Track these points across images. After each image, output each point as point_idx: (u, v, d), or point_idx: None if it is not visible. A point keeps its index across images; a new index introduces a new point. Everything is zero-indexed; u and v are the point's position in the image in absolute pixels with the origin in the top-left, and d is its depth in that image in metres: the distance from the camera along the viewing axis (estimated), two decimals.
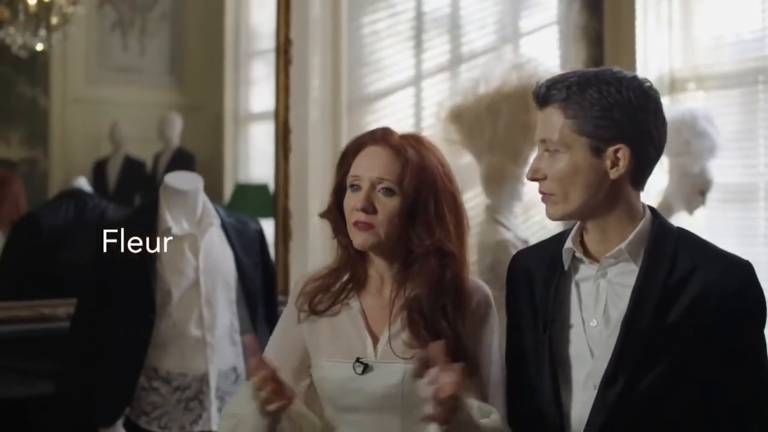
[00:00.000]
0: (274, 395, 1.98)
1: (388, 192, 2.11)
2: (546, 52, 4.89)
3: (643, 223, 2.02)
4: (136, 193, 4.56)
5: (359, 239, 2.12)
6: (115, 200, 4.32)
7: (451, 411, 1.90)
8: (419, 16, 4.67)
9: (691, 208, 4.26)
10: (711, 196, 4.36)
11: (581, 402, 2.00)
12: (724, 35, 4.92)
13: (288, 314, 2.25)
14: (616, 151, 1.97)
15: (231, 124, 4.75)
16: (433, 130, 4.32)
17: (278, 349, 2.24)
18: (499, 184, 4.04)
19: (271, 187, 4.43)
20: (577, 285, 2.06)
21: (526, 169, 3.98)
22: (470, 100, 4.10)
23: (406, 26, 4.63)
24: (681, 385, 1.95)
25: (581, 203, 1.99)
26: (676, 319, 1.94)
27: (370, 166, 2.12)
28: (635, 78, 2.00)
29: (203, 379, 3.24)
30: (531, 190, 4.18)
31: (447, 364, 1.91)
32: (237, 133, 4.79)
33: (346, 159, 2.18)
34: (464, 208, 2.22)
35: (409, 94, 4.63)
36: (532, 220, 4.65)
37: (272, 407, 1.98)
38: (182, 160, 4.49)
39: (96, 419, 3.17)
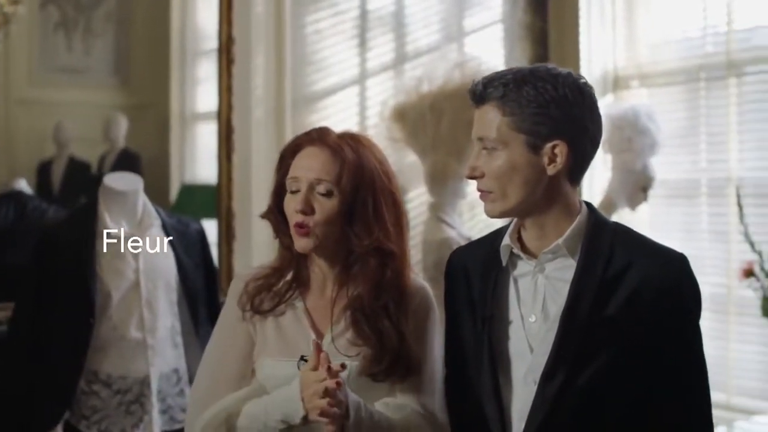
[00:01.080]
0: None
1: (327, 192, 2.11)
2: (490, 50, 4.90)
3: (580, 219, 2.03)
4: (81, 195, 4.49)
5: (300, 244, 2.13)
6: (59, 202, 4.26)
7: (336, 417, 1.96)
8: (363, 14, 4.65)
9: (633, 205, 4.30)
10: (655, 192, 4.40)
11: (521, 398, 2.01)
12: (667, 33, 4.96)
13: (230, 313, 2.24)
14: (554, 147, 1.97)
15: (177, 124, 4.70)
16: (377, 128, 4.30)
17: (222, 348, 2.23)
18: (443, 183, 4.04)
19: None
20: (515, 281, 2.07)
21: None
22: (413, 99, 4.09)
23: (350, 25, 4.62)
24: (620, 379, 1.96)
25: (519, 200, 1.99)
26: (614, 313, 1.96)
27: (307, 167, 2.13)
28: (570, 74, 2.01)
29: (144, 382, 3.20)
30: (475, 188, 4.24)
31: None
32: (183, 134, 4.74)
33: (285, 160, 2.19)
34: (403, 206, 2.23)
35: (354, 93, 4.61)
36: (477, 218, 4.66)
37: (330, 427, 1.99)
38: (128, 161, 4.44)
39: (35, 424, 3.12)
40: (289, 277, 2.21)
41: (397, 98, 4.29)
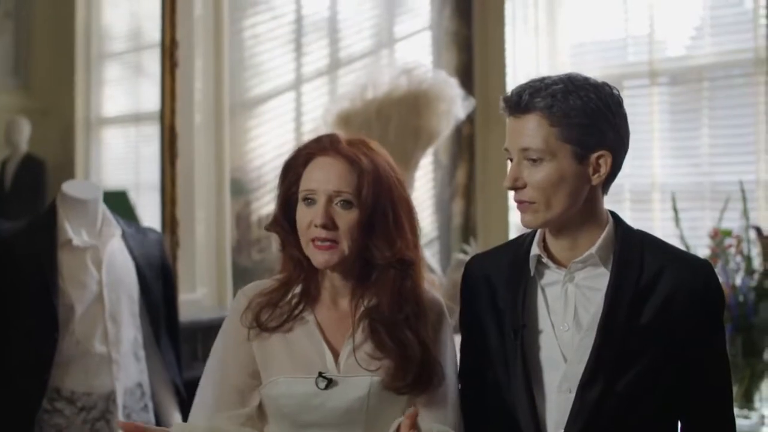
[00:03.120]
0: None
1: (347, 204, 2.04)
2: (419, 57, 4.93)
3: (609, 228, 2.07)
4: None
5: (321, 259, 2.05)
6: None
7: None
8: (299, 19, 4.62)
9: None
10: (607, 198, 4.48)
11: (557, 407, 2.02)
12: (588, 41, 5.09)
13: (232, 331, 2.15)
14: (599, 157, 1.99)
15: (82, 128, 4.55)
16: (314, 135, 4.27)
17: (220, 368, 2.15)
18: None
19: (132, 193, 4.29)
20: (543, 290, 2.07)
21: (415, 174, 4.04)
22: (358, 105, 4.08)
23: (286, 29, 4.57)
24: (656, 383, 2.00)
25: (562, 210, 2.00)
26: (650, 319, 2.00)
27: (325, 179, 2.05)
28: (607, 85, 2.04)
29: (110, 398, 3.06)
30: (414, 196, 4.25)
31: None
32: (89, 138, 4.60)
33: (294, 170, 2.10)
34: (416, 212, 2.18)
35: (290, 98, 4.57)
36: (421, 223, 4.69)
37: None
38: (31, 167, 4.29)
39: None
40: (297, 290, 2.13)
41: (336, 104, 4.27)
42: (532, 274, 2.08)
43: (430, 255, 4.55)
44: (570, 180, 1.99)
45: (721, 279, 3.93)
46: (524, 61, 5.15)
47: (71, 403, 3.04)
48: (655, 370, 1.99)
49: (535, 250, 2.07)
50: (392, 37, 4.91)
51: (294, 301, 2.12)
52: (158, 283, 3.28)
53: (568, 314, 2.03)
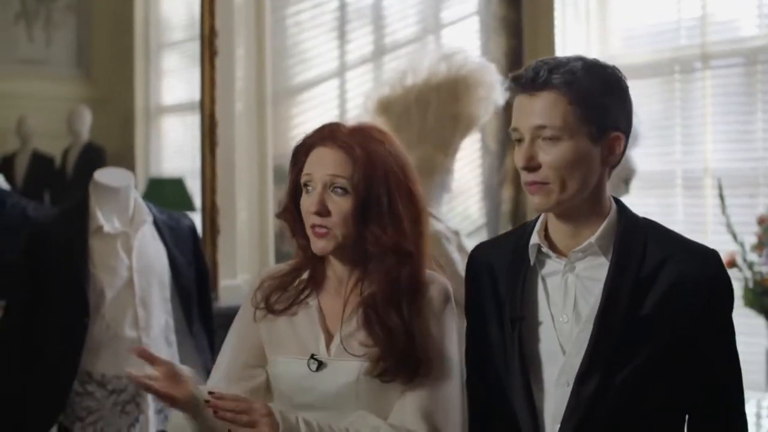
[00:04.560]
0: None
1: (342, 191, 2.06)
2: (467, 43, 4.90)
3: (611, 216, 2.01)
4: (45, 190, 4.43)
5: (318, 246, 2.09)
6: (23, 197, 4.17)
7: None
8: (342, 7, 4.63)
9: (615, 197, 4.30)
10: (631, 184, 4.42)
11: (554, 399, 1.98)
12: (640, 26, 5.00)
13: (244, 312, 2.22)
14: (614, 139, 1.95)
15: (142, 117, 4.64)
16: (358, 121, 4.27)
17: (232, 345, 2.21)
18: (429, 176, 4.00)
19: (188, 181, 4.34)
20: (544, 280, 2.03)
21: (455, 161, 4.01)
22: (398, 92, 4.05)
23: (329, 17, 4.59)
24: (656, 378, 1.94)
25: (576, 192, 1.94)
26: (650, 311, 1.93)
27: (320, 166, 2.08)
28: (616, 68, 1.99)
29: None
30: (457, 180, 4.23)
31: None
32: (148, 127, 4.68)
33: (298, 158, 2.14)
34: (421, 201, 2.17)
35: (334, 85, 4.59)
36: (454, 211, 4.67)
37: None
38: (92, 155, 4.39)
39: (29, 426, 3.05)
40: (305, 276, 2.18)
41: (377, 90, 4.26)
42: (532, 263, 2.03)
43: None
44: (586, 161, 1.93)
45: (764, 268, 3.91)
46: (574, 46, 5.08)
47: (102, 386, 3.11)
48: (655, 365, 1.93)
49: (534, 238, 2.02)
50: (439, 22, 4.88)
51: (301, 286, 2.17)
52: (190, 269, 3.33)
53: (568, 305, 1.98)
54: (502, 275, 2.08)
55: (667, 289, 1.94)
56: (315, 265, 2.17)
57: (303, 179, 2.10)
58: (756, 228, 4.08)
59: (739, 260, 4.03)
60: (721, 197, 4.17)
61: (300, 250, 2.18)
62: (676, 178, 4.81)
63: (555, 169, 1.92)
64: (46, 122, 4.40)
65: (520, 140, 1.97)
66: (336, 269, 2.16)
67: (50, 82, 4.47)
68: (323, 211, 2.06)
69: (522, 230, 2.12)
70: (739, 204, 4.42)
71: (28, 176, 4.36)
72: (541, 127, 1.93)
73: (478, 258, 2.18)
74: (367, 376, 2.06)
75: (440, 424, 2.07)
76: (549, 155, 1.92)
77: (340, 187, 2.06)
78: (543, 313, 2.01)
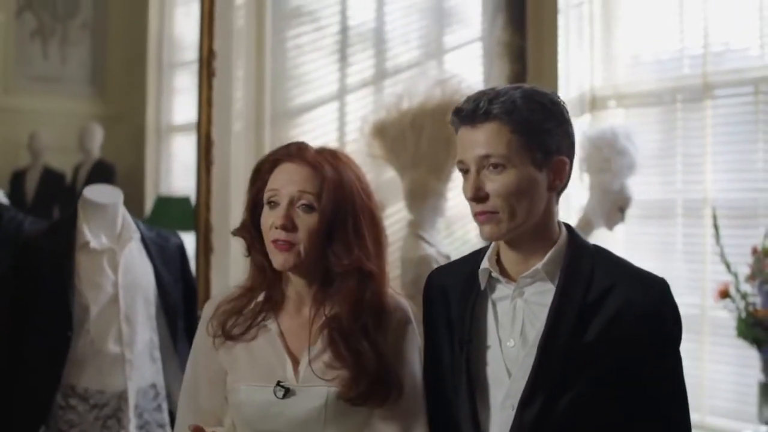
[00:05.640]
0: None
1: (308, 208, 2.06)
2: (470, 68, 4.93)
3: (560, 242, 2.02)
4: (54, 205, 4.48)
5: (280, 259, 2.07)
6: (33, 212, 4.22)
7: None
8: (344, 30, 4.67)
9: (610, 225, 4.32)
10: (630, 212, 4.43)
11: (499, 423, 1.99)
12: (644, 54, 5.01)
13: (201, 341, 2.19)
14: (558, 163, 1.97)
15: (153, 135, 4.69)
16: (356, 144, 4.31)
17: (194, 378, 2.21)
18: (422, 200, 4.05)
19: (194, 199, 4.39)
20: (494, 304, 2.05)
21: (449, 185, 4.04)
22: (394, 116, 4.11)
23: (330, 40, 4.63)
24: (599, 405, 1.95)
25: (525, 219, 1.97)
26: (594, 338, 1.94)
27: (287, 181, 2.08)
28: (554, 93, 2.03)
29: (122, 397, 3.17)
30: (454, 206, 4.26)
31: None
32: (159, 145, 4.73)
33: (261, 174, 2.14)
34: (382, 224, 2.19)
35: (333, 108, 4.63)
36: (454, 235, 4.68)
37: None
38: (102, 172, 4.43)
39: None
40: (261, 297, 2.16)
41: (376, 114, 4.31)
42: (482, 287, 2.05)
43: None
44: (532, 187, 1.96)
45: (758, 299, 3.88)
46: (577, 72, 5.10)
47: (84, 400, 3.15)
48: (598, 391, 1.94)
49: (485, 263, 2.05)
50: (441, 47, 4.92)
51: (257, 308, 2.15)
52: (177, 286, 3.37)
53: (516, 330, 2.00)
54: (454, 299, 2.10)
55: (612, 316, 1.95)
56: (273, 284, 2.15)
57: (267, 195, 2.09)
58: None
59: (732, 290, 4.01)
60: (716, 227, 4.16)
61: (256, 269, 2.17)
62: (676, 207, 4.79)
63: (502, 198, 1.95)
64: (58, 138, 4.45)
65: (466, 171, 2.00)
66: (297, 287, 2.15)
67: (64, 99, 4.53)
68: (289, 225, 2.05)
69: (476, 255, 2.14)
70: (739, 234, 4.40)
71: (39, 191, 4.41)
72: (486, 157, 1.95)
73: (434, 282, 2.20)
74: (338, 400, 2.06)
75: None
76: (495, 184, 1.95)
77: (307, 204, 2.06)
78: (491, 336, 2.03)
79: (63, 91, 4.50)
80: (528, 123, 1.94)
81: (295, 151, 2.12)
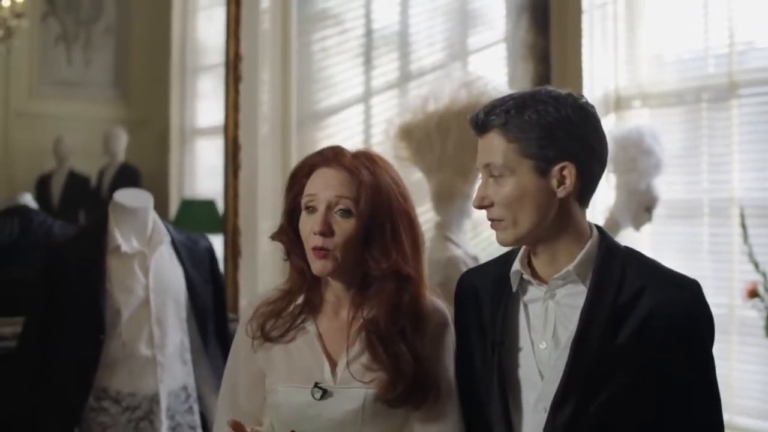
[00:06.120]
0: None
1: (346, 213, 2.08)
2: (494, 69, 4.93)
3: (591, 244, 2.02)
4: (80, 209, 4.49)
5: (318, 266, 2.09)
6: (59, 216, 4.26)
7: None
8: (369, 33, 4.68)
9: (637, 225, 4.31)
10: (656, 212, 4.42)
11: (532, 425, 2.00)
12: (668, 54, 5.00)
13: (241, 342, 2.21)
14: (562, 169, 1.97)
15: (177, 139, 4.71)
16: (382, 147, 4.32)
17: (233, 380, 2.23)
18: (449, 202, 4.04)
19: (219, 203, 4.41)
20: (526, 307, 2.06)
21: (475, 187, 4.03)
22: (420, 118, 4.10)
23: (355, 43, 4.64)
24: (631, 407, 1.95)
25: (531, 227, 1.99)
26: (626, 340, 1.94)
27: (325, 187, 2.09)
28: (570, 95, 2.01)
29: (153, 399, 3.19)
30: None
31: None
32: (183, 148, 4.75)
33: (298, 180, 2.15)
34: (419, 226, 2.20)
35: (359, 111, 4.64)
36: (480, 236, 4.68)
37: None
38: (127, 176, 4.45)
39: None
40: (300, 300, 2.17)
41: (402, 117, 4.31)
42: (514, 290, 2.06)
43: None
44: (533, 195, 1.97)
45: None
46: (601, 73, 5.09)
47: (116, 403, 3.17)
48: (630, 394, 1.94)
49: (516, 266, 2.06)
50: (465, 49, 4.92)
51: (296, 311, 2.16)
52: (207, 288, 3.39)
53: (548, 332, 2.01)
54: (486, 301, 2.11)
55: (644, 318, 1.95)
56: (312, 287, 2.17)
57: (305, 200, 2.11)
58: None
59: (761, 290, 4.00)
60: (743, 226, 4.15)
61: (296, 272, 2.18)
62: (702, 206, 4.78)
63: (504, 206, 1.99)
64: (83, 142, 4.46)
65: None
66: (335, 291, 2.16)
67: (88, 104, 4.54)
68: (327, 231, 2.07)
69: (507, 257, 2.15)
70: (766, 234, 4.40)
71: (64, 195, 4.43)
72: (487, 166, 2.00)
73: (465, 284, 2.22)
74: (375, 402, 2.07)
75: None
76: (497, 193, 1.99)
77: (345, 209, 2.08)
78: (523, 339, 2.04)
79: (87, 96, 4.51)
80: (523, 132, 1.96)
81: (332, 156, 2.13)
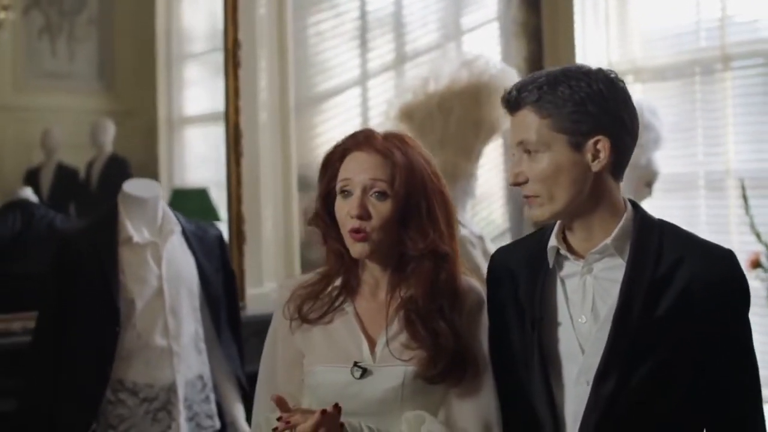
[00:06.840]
0: None
1: (381, 195, 2.09)
2: (487, 48, 4.94)
3: (626, 217, 2.04)
4: (70, 201, 4.46)
5: (357, 249, 2.11)
6: (50, 209, 4.23)
7: None
8: (363, 15, 4.67)
9: (638, 200, 4.25)
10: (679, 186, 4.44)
11: (574, 399, 2.02)
12: (660, 28, 5.02)
13: (278, 325, 2.22)
14: (596, 143, 1.98)
15: (165, 128, 4.68)
16: (381, 128, 4.31)
17: (273, 377, 2.22)
18: (453, 181, 4.01)
19: (212, 191, 4.40)
20: (563, 282, 2.07)
21: (478, 165, 4.04)
22: (420, 98, 4.09)
23: (350, 26, 4.64)
24: (673, 376, 1.97)
25: (567, 201, 2.00)
26: (666, 311, 1.96)
27: (359, 170, 2.10)
28: (601, 70, 2.03)
29: (171, 389, 3.18)
30: (481, 186, 4.26)
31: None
32: (171, 138, 4.72)
33: (331, 165, 2.16)
34: (453, 204, 2.21)
35: (356, 93, 4.63)
36: (479, 215, 4.70)
37: None
38: (116, 167, 4.42)
39: None
40: (338, 282, 2.19)
41: (402, 98, 4.30)
42: (551, 265, 2.08)
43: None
44: (568, 169, 1.98)
45: None
46: (594, 50, 5.11)
47: (134, 394, 3.15)
48: (671, 365, 1.96)
49: (552, 241, 2.07)
50: (459, 29, 4.92)
51: (334, 293, 2.18)
52: (218, 277, 3.38)
53: (586, 306, 2.02)
54: (521, 278, 2.12)
55: (683, 290, 1.97)
56: (350, 270, 2.18)
57: (340, 184, 2.12)
58: None
59: (764, 260, 4.04)
60: (744, 198, 4.18)
61: (333, 255, 2.19)
62: (698, 179, 4.81)
63: (539, 182, 2.00)
64: (70, 135, 4.42)
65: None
66: (373, 273, 2.18)
67: (74, 96, 4.50)
68: (364, 215, 2.08)
69: (541, 234, 2.16)
70: (763, 205, 4.43)
71: (54, 188, 4.39)
72: (521, 143, 2.01)
73: (498, 262, 2.23)
74: (415, 379, 2.08)
75: (495, 430, 2.12)
76: (532, 169, 2.00)
77: (380, 191, 2.09)
78: (562, 314, 2.05)
79: (73, 88, 4.47)
80: (556, 107, 1.97)
81: (363, 139, 2.14)
